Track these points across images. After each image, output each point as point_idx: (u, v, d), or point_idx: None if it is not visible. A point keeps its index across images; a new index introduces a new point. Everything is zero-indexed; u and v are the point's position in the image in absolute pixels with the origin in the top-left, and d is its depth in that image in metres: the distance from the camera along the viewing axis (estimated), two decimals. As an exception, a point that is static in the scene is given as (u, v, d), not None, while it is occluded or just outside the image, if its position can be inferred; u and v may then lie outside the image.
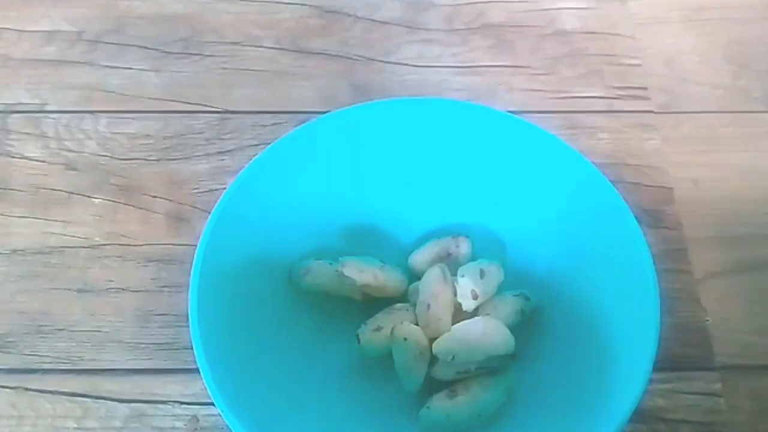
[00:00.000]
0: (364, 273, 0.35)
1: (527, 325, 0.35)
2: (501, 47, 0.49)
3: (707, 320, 0.38)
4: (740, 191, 0.43)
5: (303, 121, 0.37)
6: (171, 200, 0.42)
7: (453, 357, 0.33)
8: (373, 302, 0.36)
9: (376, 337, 0.34)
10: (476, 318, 0.34)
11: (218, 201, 0.34)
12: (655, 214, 0.42)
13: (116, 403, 0.36)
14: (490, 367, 0.34)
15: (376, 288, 0.35)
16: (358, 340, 0.34)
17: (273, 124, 0.45)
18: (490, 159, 0.37)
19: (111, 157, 0.44)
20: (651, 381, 0.30)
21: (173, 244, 0.40)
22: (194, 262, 0.32)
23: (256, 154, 0.35)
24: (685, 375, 0.37)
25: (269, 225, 0.35)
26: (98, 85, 0.46)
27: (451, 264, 0.36)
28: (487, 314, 0.34)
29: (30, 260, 0.40)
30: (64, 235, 0.41)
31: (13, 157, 0.43)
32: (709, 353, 0.38)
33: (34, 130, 0.44)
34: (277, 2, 0.51)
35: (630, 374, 0.30)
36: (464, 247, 0.37)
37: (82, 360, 0.37)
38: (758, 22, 0.50)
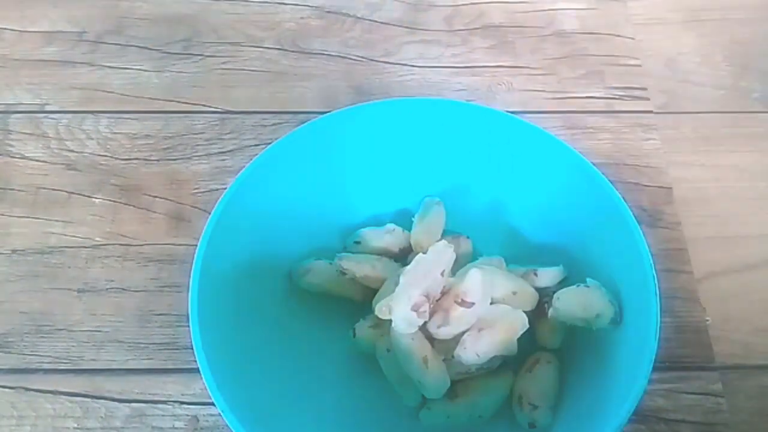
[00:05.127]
0: (361, 265, 0.35)
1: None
2: (501, 48, 0.49)
3: (707, 320, 0.39)
4: (740, 191, 0.43)
5: (303, 122, 0.37)
6: (171, 200, 0.42)
7: (452, 356, 0.33)
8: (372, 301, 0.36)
9: (372, 333, 0.34)
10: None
11: (218, 201, 0.34)
12: (655, 214, 0.42)
13: (116, 402, 0.36)
14: (491, 369, 0.34)
15: (375, 279, 0.35)
16: (354, 334, 0.34)
17: (273, 125, 0.45)
18: (490, 159, 0.37)
19: (111, 157, 0.44)
20: (651, 381, 0.30)
21: (173, 244, 0.40)
22: (194, 261, 0.32)
23: (257, 155, 0.35)
24: (685, 375, 0.37)
25: (269, 225, 0.35)
26: (99, 85, 0.47)
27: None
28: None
29: (30, 260, 0.40)
30: (65, 235, 0.41)
31: (14, 157, 0.44)
32: (709, 353, 0.38)
33: (35, 131, 0.45)
34: (278, 3, 0.51)
35: (630, 374, 0.30)
36: (465, 247, 0.37)
37: (83, 360, 0.37)
38: (758, 22, 0.50)
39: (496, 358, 0.33)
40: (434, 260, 0.32)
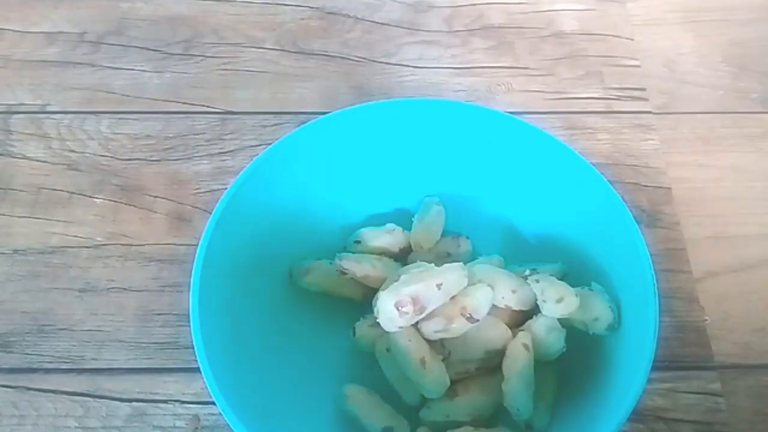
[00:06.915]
0: (361, 264, 0.35)
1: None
2: (500, 48, 0.49)
3: (706, 320, 0.39)
4: (738, 191, 0.43)
5: (304, 122, 0.37)
6: (172, 200, 0.42)
7: (449, 353, 0.33)
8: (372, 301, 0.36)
9: (372, 333, 0.34)
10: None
11: (219, 201, 0.34)
12: (654, 214, 0.42)
13: (117, 402, 0.36)
14: (490, 368, 0.34)
15: (375, 278, 0.35)
16: (354, 333, 0.35)
17: (274, 125, 0.45)
18: (490, 160, 0.37)
19: (113, 157, 0.44)
20: (650, 380, 0.30)
21: (174, 244, 0.41)
22: (195, 261, 0.32)
23: (257, 155, 0.35)
24: (684, 374, 0.37)
25: (270, 225, 0.36)
26: (100, 86, 0.47)
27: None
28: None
29: (32, 260, 0.40)
30: (66, 235, 0.41)
31: (15, 158, 0.44)
32: (707, 353, 0.38)
33: (36, 131, 0.45)
34: (278, 4, 0.51)
35: (629, 374, 0.31)
36: (464, 247, 0.38)
37: (84, 359, 0.37)
38: (757, 23, 0.51)
39: (494, 352, 0.33)
40: (440, 272, 0.32)
